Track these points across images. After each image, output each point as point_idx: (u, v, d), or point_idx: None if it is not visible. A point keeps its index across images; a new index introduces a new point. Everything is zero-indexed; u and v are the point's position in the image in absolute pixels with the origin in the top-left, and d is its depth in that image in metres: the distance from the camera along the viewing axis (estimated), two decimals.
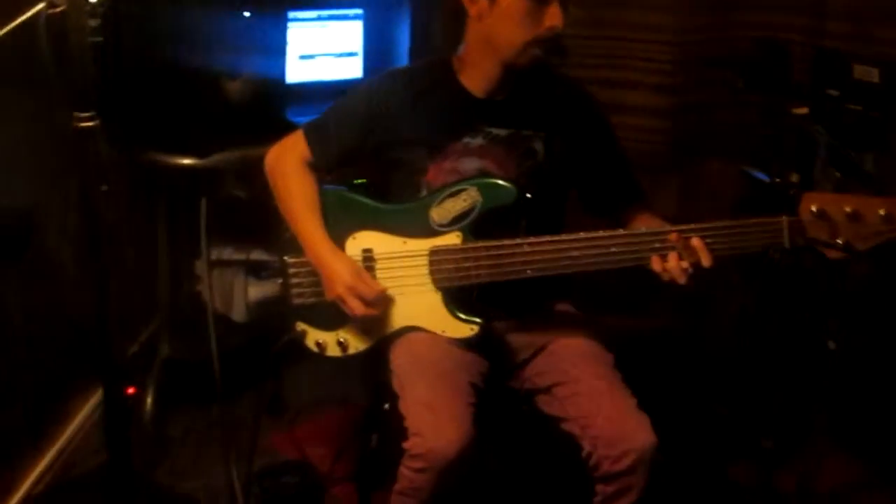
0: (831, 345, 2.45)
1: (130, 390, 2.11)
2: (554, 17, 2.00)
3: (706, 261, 1.92)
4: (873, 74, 2.36)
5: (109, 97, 2.65)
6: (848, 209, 1.89)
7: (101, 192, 1.73)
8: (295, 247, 2.20)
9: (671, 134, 3.44)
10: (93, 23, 1.71)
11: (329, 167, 2.24)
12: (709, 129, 3.45)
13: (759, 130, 2.92)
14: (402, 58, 3.07)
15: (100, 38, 1.70)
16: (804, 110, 2.58)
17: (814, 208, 1.91)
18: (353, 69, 3.20)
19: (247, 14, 2.59)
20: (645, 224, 2.12)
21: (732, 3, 3.35)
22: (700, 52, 3.37)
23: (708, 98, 3.41)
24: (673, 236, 1.95)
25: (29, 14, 1.69)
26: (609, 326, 2.26)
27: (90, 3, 1.70)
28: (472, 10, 2.08)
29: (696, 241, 1.93)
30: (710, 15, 3.36)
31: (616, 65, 3.44)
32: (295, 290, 2.22)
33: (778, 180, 2.55)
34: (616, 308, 2.72)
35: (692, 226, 1.95)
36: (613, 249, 1.98)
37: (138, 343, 3.24)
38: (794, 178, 2.53)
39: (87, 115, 1.69)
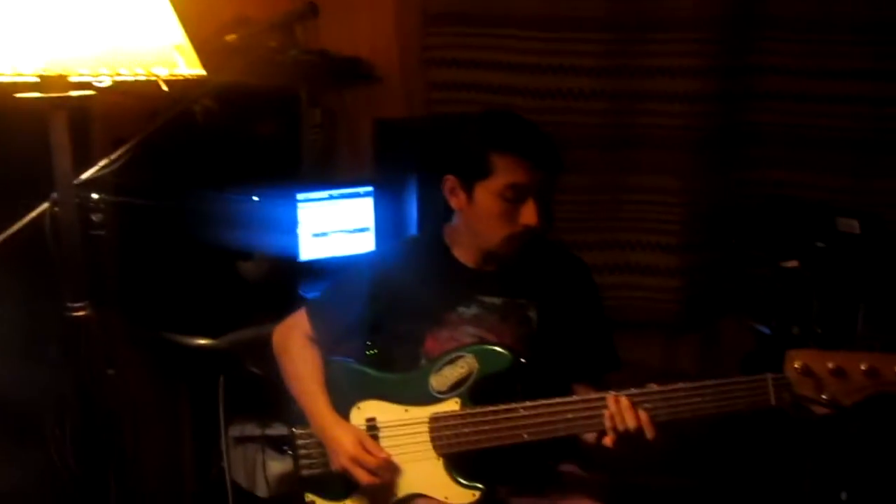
0: (843, 496, 2.42)
1: None
2: (529, 216, 2.07)
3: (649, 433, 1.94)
4: (854, 226, 2.41)
5: (123, 283, 2.79)
6: (831, 365, 1.87)
7: (97, 379, 1.79)
8: (304, 419, 2.25)
9: (684, 292, 3.48)
10: (96, 217, 1.81)
11: (333, 342, 2.30)
12: (720, 286, 3.48)
13: (764, 285, 2.95)
14: (412, 228, 3.14)
15: (102, 231, 1.80)
16: (794, 264, 2.62)
17: (797, 365, 1.89)
18: (365, 244, 3.26)
19: (255, 198, 2.71)
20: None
21: (735, 162, 3.42)
22: (706, 212, 3.42)
23: (717, 256, 3.45)
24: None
25: (35, 213, 1.80)
26: (616, 486, 2.24)
27: (93, 199, 1.81)
28: (454, 203, 2.18)
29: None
30: (715, 175, 3.43)
31: (625, 227, 3.51)
32: (304, 462, 2.27)
33: (778, 334, 2.57)
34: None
35: (680, 384, 1.96)
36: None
37: None
38: (795, 330, 2.55)
39: (78, 304, 1.79)
